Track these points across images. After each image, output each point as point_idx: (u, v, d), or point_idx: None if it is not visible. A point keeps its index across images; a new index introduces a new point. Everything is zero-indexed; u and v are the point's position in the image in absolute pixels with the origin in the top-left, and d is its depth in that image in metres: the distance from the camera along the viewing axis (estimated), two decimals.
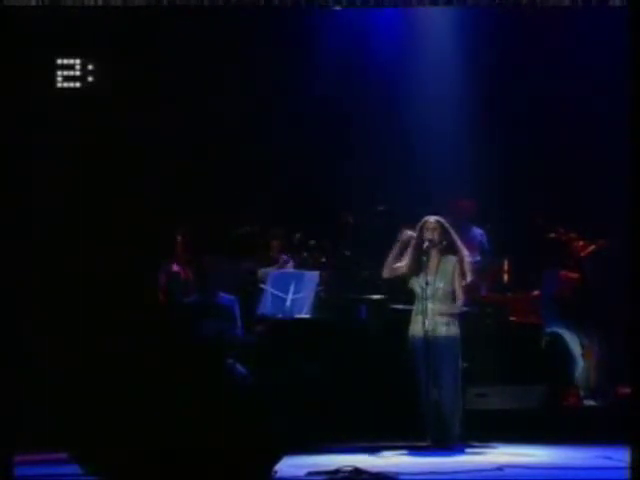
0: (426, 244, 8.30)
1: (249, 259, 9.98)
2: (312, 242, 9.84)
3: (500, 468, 7.12)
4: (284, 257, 9.91)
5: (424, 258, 8.32)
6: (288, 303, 8.95)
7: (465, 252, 8.43)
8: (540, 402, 9.17)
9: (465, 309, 8.53)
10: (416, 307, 8.36)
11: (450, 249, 8.38)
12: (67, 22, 8.94)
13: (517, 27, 10.48)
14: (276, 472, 6.19)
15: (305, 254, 9.82)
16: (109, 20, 9.28)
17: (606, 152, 9.91)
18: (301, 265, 9.69)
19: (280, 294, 8.99)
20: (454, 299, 8.36)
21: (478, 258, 10.00)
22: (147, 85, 10.39)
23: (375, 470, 6.72)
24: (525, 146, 10.91)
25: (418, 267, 8.35)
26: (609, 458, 7.36)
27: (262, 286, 9.19)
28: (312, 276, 9.12)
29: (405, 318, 8.44)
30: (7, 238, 6.77)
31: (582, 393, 9.55)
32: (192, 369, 6.02)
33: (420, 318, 8.25)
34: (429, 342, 8.15)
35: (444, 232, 8.39)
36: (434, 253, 8.37)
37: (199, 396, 5.84)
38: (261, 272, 9.65)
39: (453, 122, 10.80)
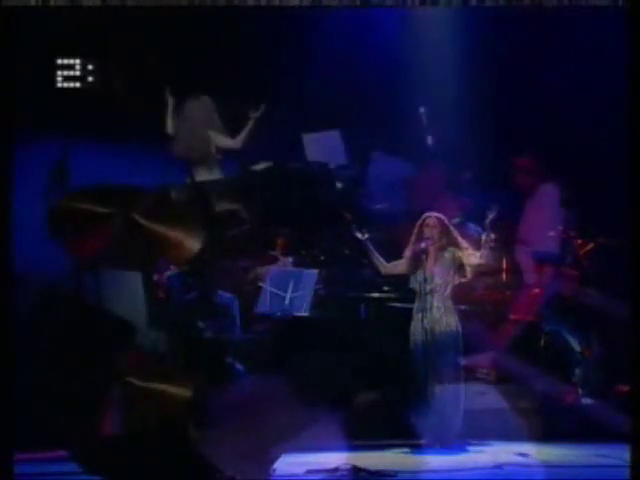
0: (425, 242, 8.32)
1: (249, 258, 9.99)
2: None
3: (499, 466, 7.14)
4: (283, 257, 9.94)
5: (423, 255, 8.34)
6: (287, 301, 8.98)
7: (467, 248, 8.45)
8: (539, 400, 9.18)
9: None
10: (416, 304, 8.38)
11: (450, 246, 8.40)
12: (67, 22, 8.94)
13: (516, 27, 10.48)
14: (275, 470, 6.22)
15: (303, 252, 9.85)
16: (109, 20, 9.28)
17: (606, 151, 9.91)
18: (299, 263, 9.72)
19: (279, 292, 9.01)
20: (452, 294, 8.40)
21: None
22: (147, 84, 10.39)
23: (374, 468, 6.74)
24: (525, 145, 10.90)
25: (417, 264, 8.37)
26: (607, 456, 7.38)
27: (261, 284, 9.21)
28: (311, 274, 9.14)
29: (405, 316, 8.46)
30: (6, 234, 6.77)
31: (581, 391, 9.56)
32: (191, 367, 6.04)
33: (420, 316, 8.27)
34: (429, 340, 8.16)
35: (444, 230, 8.41)
36: (433, 250, 8.39)
37: (198, 394, 5.86)
38: (259, 270, 9.67)
39: (452, 121, 10.80)
